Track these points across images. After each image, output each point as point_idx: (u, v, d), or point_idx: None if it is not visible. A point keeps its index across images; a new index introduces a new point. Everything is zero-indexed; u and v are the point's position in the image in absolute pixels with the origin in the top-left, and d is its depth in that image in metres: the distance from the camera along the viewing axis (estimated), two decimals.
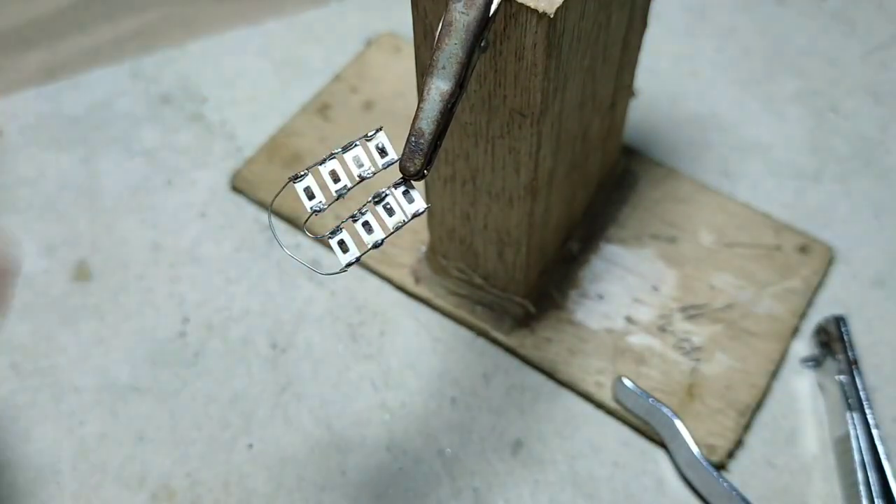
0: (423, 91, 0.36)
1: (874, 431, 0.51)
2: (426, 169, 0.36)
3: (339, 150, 0.37)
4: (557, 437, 0.54)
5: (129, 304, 0.59)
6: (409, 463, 0.53)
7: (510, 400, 0.55)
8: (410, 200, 0.36)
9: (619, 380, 0.53)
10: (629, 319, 0.57)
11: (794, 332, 0.57)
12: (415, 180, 0.36)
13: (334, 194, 0.37)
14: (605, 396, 0.54)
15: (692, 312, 0.58)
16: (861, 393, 0.52)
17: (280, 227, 0.63)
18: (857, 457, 0.50)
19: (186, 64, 0.72)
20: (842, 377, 0.53)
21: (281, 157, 0.65)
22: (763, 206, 0.63)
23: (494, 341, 0.57)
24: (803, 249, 0.60)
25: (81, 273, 0.61)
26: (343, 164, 0.37)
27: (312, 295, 0.60)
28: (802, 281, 0.59)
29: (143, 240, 0.62)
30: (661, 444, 0.53)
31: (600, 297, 0.58)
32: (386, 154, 0.37)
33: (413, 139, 0.36)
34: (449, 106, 0.36)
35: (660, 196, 0.63)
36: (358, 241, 0.36)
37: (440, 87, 0.36)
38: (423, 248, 0.60)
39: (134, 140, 0.68)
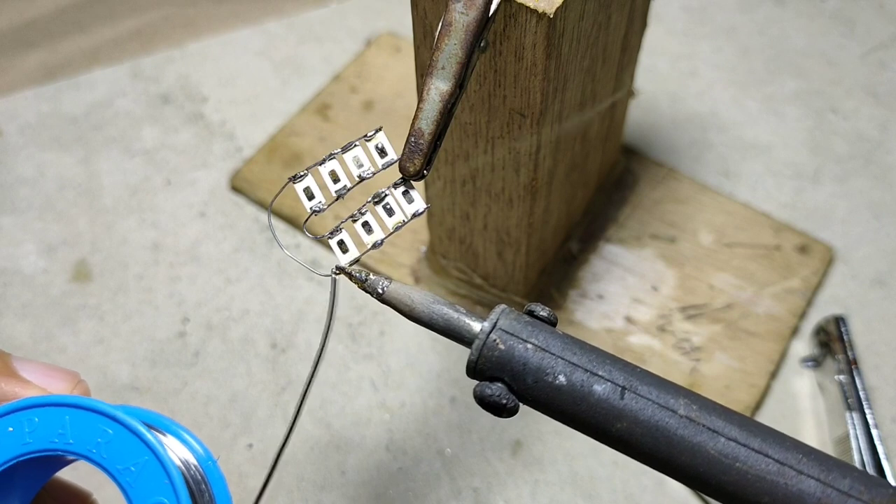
0: (422, 91, 0.36)
1: (874, 431, 0.51)
2: (426, 169, 0.36)
3: (339, 150, 0.37)
4: (557, 437, 0.54)
5: (129, 304, 0.59)
6: (409, 463, 0.53)
7: None
8: (410, 200, 0.36)
9: None
10: (629, 319, 0.57)
11: (794, 332, 0.57)
12: (414, 180, 0.36)
13: (334, 195, 0.37)
14: None
15: (692, 312, 0.58)
16: (861, 393, 0.52)
17: (280, 227, 0.63)
18: (856, 457, 0.50)
19: (186, 64, 0.72)
20: (841, 377, 0.53)
21: (280, 157, 0.65)
22: (763, 206, 0.63)
23: None
24: (803, 249, 0.60)
25: (81, 273, 0.61)
26: (343, 164, 0.37)
27: (312, 295, 0.60)
28: (802, 281, 0.59)
29: (143, 240, 0.62)
30: None
31: (600, 297, 0.58)
32: (385, 154, 0.37)
33: (413, 139, 0.36)
34: (449, 106, 0.36)
35: (660, 196, 0.63)
36: (357, 241, 0.36)
37: (440, 87, 0.36)
38: (423, 248, 0.60)
39: (134, 140, 0.68)
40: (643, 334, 0.57)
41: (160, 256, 0.62)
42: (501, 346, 0.31)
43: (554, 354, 0.31)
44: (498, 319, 0.32)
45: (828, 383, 0.55)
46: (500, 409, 0.31)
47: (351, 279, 0.35)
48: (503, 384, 0.31)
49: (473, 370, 0.32)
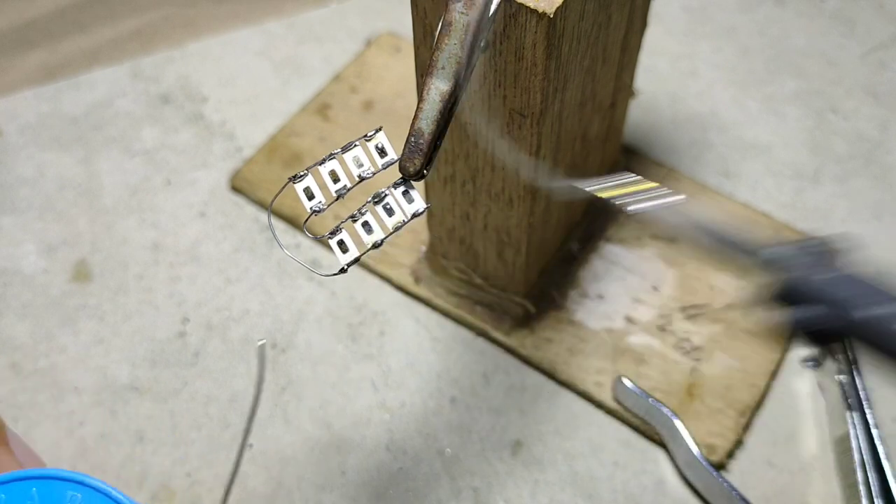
0: (422, 91, 0.36)
1: (874, 431, 0.51)
2: (426, 169, 0.36)
3: (339, 150, 0.37)
4: (557, 437, 0.54)
5: (129, 304, 0.59)
6: (409, 463, 0.53)
7: (510, 400, 0.55)
8: (410, 200, 0.36)
9: (618, 380, 0.53)
10: (629, 319, 0.57)
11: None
12: (414, 180, 0.36)
13: (334, 195, 0.37)
14: (605, 396, 0.54)
15: (692, 312, 0.58)
16: (861, 393, 0.52)
17: (280, 227, 0.63)
18: (856, 457, 0.50)
19: (186, 64, 0.72)
20: (842, 377, 0.53)
21: (280, 157, 0.65)
22: (763, 206, 0.63)
23: (494, 341, 0.57)
24: None
25: (81, 273, 0.61)
26: (343, 164, 0.37)
27: (312, 295, 0.60)
28: None
29: (143, 240, 0.62)
30: (661, 444, 0.53)
31: (600, 297, 0.58)
32: (386, 154, 0.37)
33: (413, 139, 0.36)
34: (449, 106, 0.36)
35: None
36: (357, 241, 0.36)
37: (440, 87, 0.36)
38: (423, 248, 0.60)
39: (134, 140, 0.68)
40: (643, 334, 0.57)
41: (160, 256, 0.62)
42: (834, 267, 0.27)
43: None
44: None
45: (828, 383, 0.55)
46: (825, 336, 0.27)
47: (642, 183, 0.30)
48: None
49: (792, 291, 0.27)
